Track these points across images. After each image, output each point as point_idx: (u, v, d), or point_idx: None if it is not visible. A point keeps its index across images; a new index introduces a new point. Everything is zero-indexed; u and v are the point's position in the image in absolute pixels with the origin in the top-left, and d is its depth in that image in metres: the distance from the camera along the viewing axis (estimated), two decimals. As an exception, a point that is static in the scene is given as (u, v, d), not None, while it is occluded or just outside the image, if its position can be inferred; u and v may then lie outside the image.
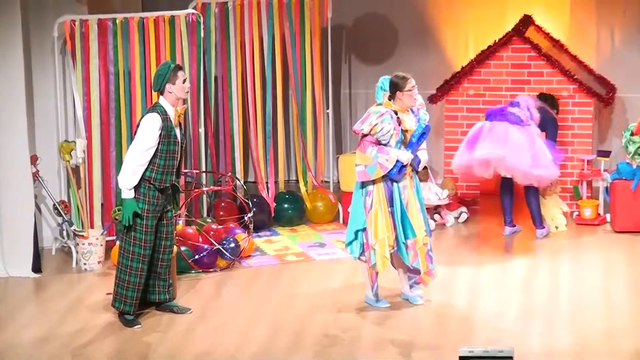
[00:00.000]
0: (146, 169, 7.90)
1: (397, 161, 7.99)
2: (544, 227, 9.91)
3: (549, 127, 9.88)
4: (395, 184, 8.09)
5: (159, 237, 8.16)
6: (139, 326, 8.07)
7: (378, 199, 8.07)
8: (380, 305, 8.30)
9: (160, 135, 7.85)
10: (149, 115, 7.89)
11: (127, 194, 7.89)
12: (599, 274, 8.99)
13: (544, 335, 7.83)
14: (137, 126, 7.98)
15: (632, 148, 9.80)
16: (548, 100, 10.03)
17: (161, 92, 7.93)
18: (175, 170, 8.05)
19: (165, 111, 7.90)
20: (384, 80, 8.21)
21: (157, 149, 7.88)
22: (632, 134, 9.79)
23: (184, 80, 7.95)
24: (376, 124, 7.99)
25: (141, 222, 7.99)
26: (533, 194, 9.85)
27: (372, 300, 8.30)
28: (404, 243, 8.11)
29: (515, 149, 9.59)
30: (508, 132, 9.60)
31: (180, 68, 8.00)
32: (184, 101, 8.08)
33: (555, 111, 10.04)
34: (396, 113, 8.07)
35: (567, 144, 10.38)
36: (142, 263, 8.05)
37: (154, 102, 8.07)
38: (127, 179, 7.88)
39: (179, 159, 8.07)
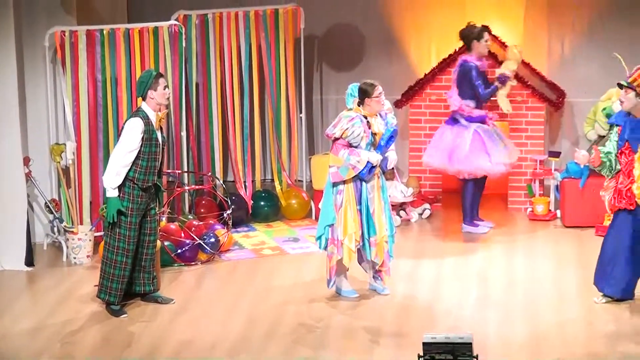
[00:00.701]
0: (130, 170, 7.89)
1: (368, 162, 7.99)
2: (471, 224, 9.87)
3: (464, 81, 9.71)
4: (364, 183, 8.09)
5: (143, 232, 8.13)
6: (125, 315, 8.05)
7: (348, 197, 8.07)
8: (349, 296, 8.29)
9: (142, 138, 7.83)
10: (132, 119, 7.87)
11: (111, 192, 7.87)
12: (551, 266, 9.03)
13: (501, 322, 7.86)
14: (121, 130, 7.97)
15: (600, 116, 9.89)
16: (469, 33, 9.76)
17: (143, 97, 7.92)
18: (156, 170, 8.03)
19: (147, 115, 7.89)
20: (353, 87, 8.21)
21: (139, 151, 7.86)
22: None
23: (165, 87, 7.95)
24: (347, 128, 7.99)
25: (125, 219, 7.96)
26: (466, 189, 9.85)
27: (346, 292, 8.29)
28: (367, 240, 8.13)
29: (435, 150, 9.73)
30: (440, 135, 9.83)
31: (161, 76, 7.99)
32: (166, 106, 8.06)
33: (482, 40, 9.70)
34: (366, 117, 8.07)
35: (521, 145, 10.40)
36: (126, 257, 8.03)
37: (137, 107, 8.05)
38: (111, 179, 7.86)
39: (160, 160, 8.05)
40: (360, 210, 8.09)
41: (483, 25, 9.82)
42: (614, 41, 10.77)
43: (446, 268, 9.02)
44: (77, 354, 7.48)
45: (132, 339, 7.69)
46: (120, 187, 7.90)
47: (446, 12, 11.17)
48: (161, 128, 8.06)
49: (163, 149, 8.08)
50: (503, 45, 10.78)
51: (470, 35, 9.75)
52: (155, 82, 7.89)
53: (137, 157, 7.88)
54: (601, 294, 8.07)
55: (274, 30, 10.34)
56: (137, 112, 7.93)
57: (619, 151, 7.88)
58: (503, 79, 9.73)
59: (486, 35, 9.75)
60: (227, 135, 10.37)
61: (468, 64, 9.71)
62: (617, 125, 7.91)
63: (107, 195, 7.89)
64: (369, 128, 8.05)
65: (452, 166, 9.71)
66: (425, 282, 8.68)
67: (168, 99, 8.01)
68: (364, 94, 8.05)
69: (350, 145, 8.00)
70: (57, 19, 9.57)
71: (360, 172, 7.99)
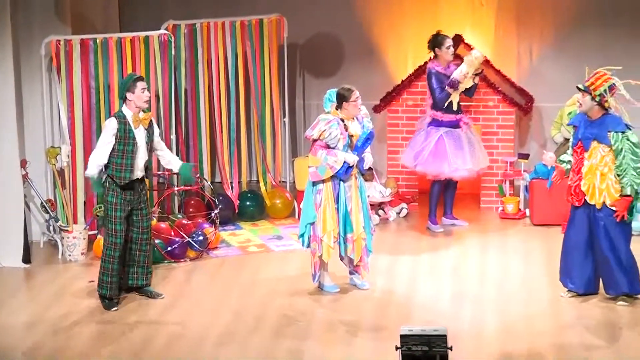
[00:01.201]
0: (109, 167, 7.95)
1: (345, 162, 8.01)
2: (435, 224, 9.88)
3: (430, 85, 9.75)
4: (341, 183, 8.11)
5: (135, 230, 8.14)
6: (115, 309, 8.05)
7: (327, 196, 8.09)
8: (331, 290, 8.31)
9: (116, 136, 7.89)
10: (108, 119, 8.03)
11: (89, 172, 8.01)
12: (520, 261, 9.06)
13: (473, 316, 7.88)
14: None
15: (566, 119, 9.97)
16: (433, 41, 9.75)
17: (123, 99, 7.96)
18: (133, 169, 8.02)
19: (124, 116, 7.96)
20: (332, 92, 8.24)
21: (114, 148, 7.93)
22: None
23: (143, 90, 7.97)
24: (324, 130, 8.01)
25: (112, 214, 7.99)
26: (431, 189, 9.85)
27: (328, 287, 8.31)
28: (343, 237, 8.14)
29: (410, 150, 9.79)
30: (414, 137, 9.88)
31: (140, 79, 8.04)
32: (146, 109, 8.07)
33: (443, 47, 9.67)
34: (343, 120, 8.09)
35: (492, 148, 10.42)
36: (114, 251, 8.05)
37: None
38: (89, 167, 8.00)
39: (142, 158, 8.04)
40: (337, 209, 8.11)
41: (439, 33, 9.76)
42: (579, 50, 10.82)
43: (422, 264, 9.04)
44: (72, 346, 7.46)
45: (125, 331, 7.68)
46: (105, 184, 7.99)
47: (421, 21, 11.19)
48: (149, 128, 8.06)
49: (149, 149, 8.10)
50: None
51: (433, 44, 9.74)
52: (133, 85, 7.95)
53: (113, 155, 7.95)
54: (566, 289, 8.11)
55: (258, 39, 10.34)
56: (116, 113, 8.05)
57: (573, 149, 7.94)
58: (452, 83, 9.68)
59: (447, 42, 9.71)
60: (214, 139, 10.36)
61: (428, 71, 9.74)
62: (574, 125, 7.99)
63: (88, 173, 8.05)
64: (346, 130, 8.08)
65: (416, 167, 9.74)
66: (403, 277, 8.69)
67: (147, 101, 8.03)
68: (342, 98, 8.08)
69: (328, 147, 8.02)
70: (52, 28, 9.53)
71: (337, 171, 8.01)
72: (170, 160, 8.33)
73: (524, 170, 10.35)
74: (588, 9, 10.90)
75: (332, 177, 8.06)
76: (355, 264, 8.30)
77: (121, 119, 7.94)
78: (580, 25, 10.94)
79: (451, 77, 9.63)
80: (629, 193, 7.71)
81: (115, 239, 8.03)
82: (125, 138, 7.93)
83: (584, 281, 8.01)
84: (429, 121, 9.79)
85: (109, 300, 8.08)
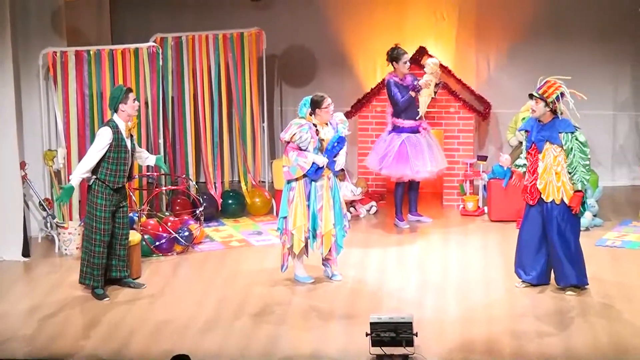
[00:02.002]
0: (101, 173, 7.96)
1: (314, 164, 8.05)
2: (402, 220, 9.91)
3: (389, 96, 9.75)
4: (313, 182, 8.14)
5: (117, 227, 8.19)
6: (108, 299, 8.05)
7: (299, 194, 8.12)
8: (304, 281, 8.33)
9: (111, 144, 7.90)
10: (103, 128, 8.01)
11: (73, 182, 7.98)
12: (479, 254, 9.09)
13: (436, 304, 7.91)
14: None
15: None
16: (391, 54, 9.68)
17: (115, 110, 7.99)
18: (126, 174, 8.10)
19: (117, 125, 7.98)
20: (306, 100, 8.27)
21: (109, 156, 7.94)
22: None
23: (134, 100, 8.03)
24: (295, 133, 8.06)
25: (100, 215, 8.02)
26: (395, 190, 9.87)
27: (302, 277, 8.33)
28: (312, 232, 8.16)
29: (375, 155, 9.81)
30: (378, 142, 9.91)
31: (130, 90, 8.08)
32: (135, 117, 8.15)
33: (400, 61, 9.62)
34: (315, 125, 8.12)
35: (454, 150, 10.45)
36: (102, 247, 8.08)
37: (109, 119, 8.10)
38: (77, 176, 7.98)
39: (129, 165, 8.11)
40: (308, 206, 8.14)
41: (397, 47, 9.77)
42: (531, 61, 10.88)
43: (390, 257, 9.06)
44: (67, 332, 7.45)
45: (117, 319, 7.67)
46: (92, 186, 7.99)
47: (388, 34, 11.19)
48: (131, 136, 8.12)
49: (132, 154, 8.14)
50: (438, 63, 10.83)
51: (391, 56, 9.71)
52: (125, 97, 7.99)
53: (107, 162, 7.95)
54: (520, 280, 8.18)
55: (239, 51, 10.33)
56: (108, 122, 8.04)
57: (527, 152, 8.01)
58: (414, 88, 9.69)
59: (405, 58, 9.67)
60: (199, 142, 10.34)
61: (387, 81, 9.74)
62: (526, 130, 8.05)
63: (70, 183, 7.99)
64: (317, 135, 8.11)
65: (381, 170, 9.78)
66: (372, 269, 8.71)
67: (137, 110, 8.09)
68: (315, 104, 8.12)
69: (299, 149, 8.05)
70: (49, 40, 9.49)
71: (307, 171, 8.05)
72: (147, 157, 8.41)
73: (483, 171, 10.39)
74: (538, 25, 10.97)
75: (304, 177, 8.09)
76: (324, 257, 8.32)
77: (114, 128, 7.95)
78: (531, 39, 11.01)
79: (416, 82, 9.65)
80: (580, 188, 7.79)
81: (103, 236, 8.05)
82: (118, 146, 7.95)
83: (537, 273, 8.07)
84: (390, 128, 9.82)
85: (100, 291, 8.06)
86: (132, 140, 8.14)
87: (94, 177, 8.01)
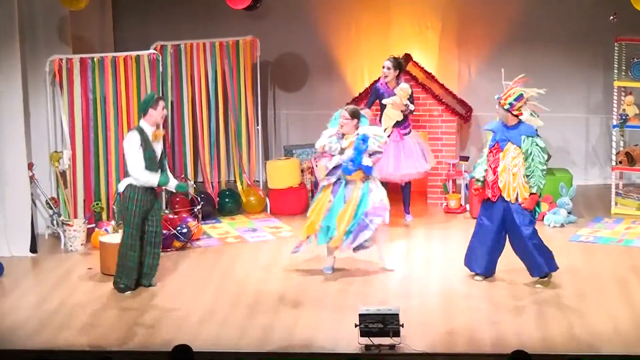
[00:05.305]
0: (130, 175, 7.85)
1: (335, 166, 8.15)
2: (409, 214, 9.93)
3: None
4: (342, 184, 8.14)
5: (150, 227, 8.03)
6: (130, 292, 8.01)
7: (323, 194, 8.23)
8: (325, 272, 8.37)
9: (140, 146, 7.81)
10: (130, 132, 7.94)
11: (154, 181, 7.85)
12: (461, 249, 9.06)
13: (421, 296, 7.92)
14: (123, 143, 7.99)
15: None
16: (400, 64, 9.69)
17: (145, 114, 7.90)
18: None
19: (143, 129, 7.90)
20: (337, 113, 8.34)
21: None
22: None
23: (163, 108, 7.96)
24: (324, 144, 8.21)
25: (130, 220, 7.90)
26: (405, 186, 9.92)
27: (324, 268, 8.39)
28: (326, 228, 8.18)
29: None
30: None
31: (162, 99, 8.03)
32: (161, 125, 8.05)
33: (398, 72, 9.65)
34: (343, 135, 8.20)
35: (437, 151, 10.44)
36: (135, 251, 7.96)
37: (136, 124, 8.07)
38: (151, 180, 7.83)
39: (157, 168, 7.99)
40: (331, 202, 8.17)
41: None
42: (511, 66, 10.81)
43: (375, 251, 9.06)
44: (73, 324, 7.45)
45: (120, 311, 7.67)
46: (124, 192, 7.86)
47: (375, 42, 11.23)
48: (163, 142, 8.05)
49: (162, 160, 8.03)
50: (423, 70, 10.85)
51: (400, 66, 9.63)
52: (156, 103, 7.92)
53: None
54: (473, 272, 8.15)
55: (235, 57, 10.32)
56: (135, 127, 7.97)
57: (489, 150, 8.02)
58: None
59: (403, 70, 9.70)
60: (197, 144, 10.33)
61: (376, 86, 9.71)
62: (492, 131, 8.06)
63: (160, 184, 7.88)
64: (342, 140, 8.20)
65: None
66: (361, 263, 8.70)
67: (162, 118, 7.98)
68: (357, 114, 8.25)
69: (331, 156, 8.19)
70: (55, 48, 9.48)
71: (330, 171, 8.16)
72: (170, 180, 8.20)
73: (465, 171, 10.40)
74: (516, 33, 11.00)
75: (335, 180, 8.16)
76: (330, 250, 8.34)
77: (141, 131, 7.87)
78: (510, 46, 11.03)
79: (384, 101, 9.63)
80: (535, 192, 7.83)
81: (135, 241, 7.93)
82: (145, 148, 7.86)
83: (486, 265, 8.06)
84: None
85: (127, 290, 8.01)
86: (161, 147, 8.00)
87: (129, 182, 7.88)
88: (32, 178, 9.26)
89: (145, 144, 7.85)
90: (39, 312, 7.68)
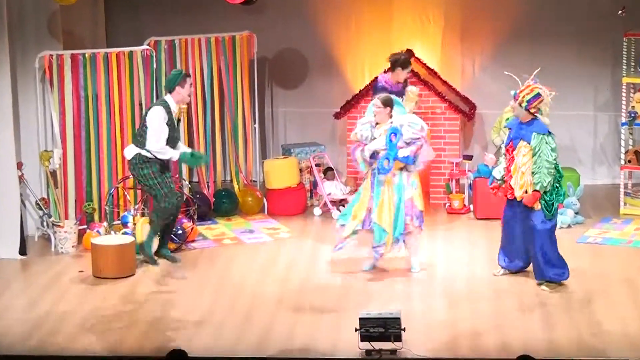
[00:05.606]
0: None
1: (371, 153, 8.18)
2: None
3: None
4: (376, 176, 8.17)
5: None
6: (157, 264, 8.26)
7: (366, 185, 8.28)
8: (364, 268, 8.42)
9: (165, 121, 7.89)
10: (154, 107, 7.98)
11: (175, 155, 7.96)
12: (465, 251, 9.10)
13: (424, 300, 7.90)
14: (143, 118, 8.04)
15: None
16: (403, 60, 9.60)
17: (171, 91, 7.98)
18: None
19: (169, 105, 7.97)
20: (371, 103, 8.40)
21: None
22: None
23: (191, 85, 8.10)
24: (356, 132, 8.27)
25: (155, 181, 8.01)
26: None
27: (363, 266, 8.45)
28: (372, 224, 8.24)
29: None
30: None
31: (189, 76, 8.16)
32: (187, 103, 8.24)
33: (404, 71, 9.58)
34: (377, 124, 8.21)
35: (440, 150, 10.43)
36: (172, 203, 8.16)
37: (160, 98, 8.14)
38: (169, 153, 7.91)
39: (176, 145, 8.16)
40: (372, 197, 8.21)
41: (412, 54, 9.75)
42: (515, 62, 10.84)
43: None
44: (64, 328, 7.42)
45: (112, 315, 7.64)
46: (135, 162, 7.95)
47: (376, 38, 11.21)
48: (180, 120, 8.18)
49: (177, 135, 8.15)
50: (425, 66, 10.84)
51: (400, 63, 9.59)
52: (184, 80, 8.02)
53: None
54: (500, 266, 8.21)
55: (231, 53, 10.30)
56: (160, 101, 8.02)
57: (505, 148, 8.04)
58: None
59: (409, 67, 9.68)
60: (192, 143, 10.30)
61: (376, 84, 9.68)
62: (509, 128, 8.10)
63: (179, 157, 7.97)
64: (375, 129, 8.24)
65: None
66: (361, 266, 8.68)
67: (190, 96, 8.13)
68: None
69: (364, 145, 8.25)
70: (45, 44, 9.45)
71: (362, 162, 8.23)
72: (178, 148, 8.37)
73: (468, 170, 10.39)
74: (522, 28, 10.99)
75: (372, 170, 8.19)
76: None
77: (166, 107, 7.93)
78: (515, 41, 11.02)
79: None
80: (537, 189, 7.83)
81: (171, 193, 8.03)
82: (171, 124, 7.94)
83: (516, 261, 8.13)
84: None
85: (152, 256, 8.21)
86: (179, 124, 8.16)
87: (137, 152, 7.96)
88: (21, 178, 9.23)
89: (171, 120, 7.93)
90: (29, 317, 7.64)
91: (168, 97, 7.99)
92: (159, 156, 8.01)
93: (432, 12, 11.16)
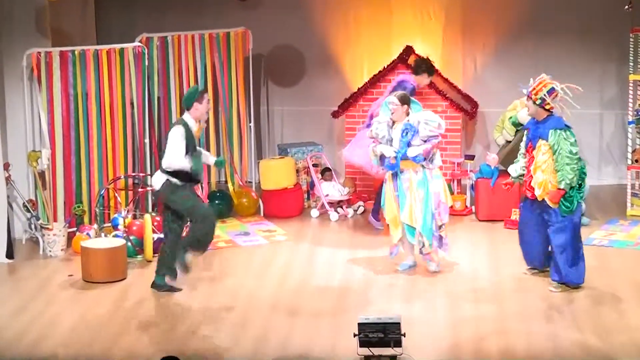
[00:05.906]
0: (173, 172, 7.91)
1: (381, 153, 8.26)
2: (378, 220, 9.76)
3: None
4: (398, 175, 8.24)
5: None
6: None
7: (388, 186, 8.33)
8: (402, 268, 8.46)
9: (183, 139, 7.87)
10: (174, 127, 7.96)
11: (187, 165, 7.91)
12: (467, 253, 9.08)
13: (425, 304, 7.88)
14: (166, 136, 8.04)
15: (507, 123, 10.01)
16: (428, 67, 9.70)
17: (189, 108, 7.95)
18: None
19: (188, 124, 7.95)
20: (386, 101, 8.44)
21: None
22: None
23: (208, 101, 8.04)
24: (372, 129, 8.34)
25: (194, 203, 8.02)
26: (379, 189, 9.84)
27: (400, 265, 8.50)
28: (403, 224, 8.29)
29: (357, 148, 9.65)
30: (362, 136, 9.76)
31: (205, 91, 8.13)
32: (206, 120, 8.22)
33: (431, 78, 9.75)
34: (394, 122, 8.24)
35: (441, 150, 10.35)
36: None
37: (178, 118, 8.11)
38: (183, 164, 7.86)
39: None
40: (398, 196, 8.26)
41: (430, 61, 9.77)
42: (517, 60, 10.90)
43: (378, 256, 9.02)
44: (53, 333, 7.39)
45: (103, 320, 7.62)
46: (175, 191, 7.91)
47: (375, 34, 11.21)
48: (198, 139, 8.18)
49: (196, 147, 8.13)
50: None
51: (426, 68, 9.60)
52: (201, 97, 7.97)
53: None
54: (527, 267, 8.23)
55: (226, 50, 10.29)
56: (179, 121, 8.01)
57: (525, 149, 8.03)
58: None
59: (434, 75, 9.73)
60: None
61: (405, 81, 9.65)
62: (527, 128, 8.11)
63: (193, 168, 7.93)
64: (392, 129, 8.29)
65: (343, 153, 9.71)
66: (360, 269, 8.68)
67: (207, 112, 8.09)
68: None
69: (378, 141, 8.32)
70: (33, 41, 9.42)
71: (382, 162, 8.28)
72: (208, 156, 8.40)
73: (470, 170, 10.38)
74: (525, 24, 11.01)
75: (392, 171, 8.26)
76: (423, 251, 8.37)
77: (186, 126, 7.91)
78: (517, 38, 11.04)
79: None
80: (562, 187, 7.80)
81: (209, 214, 8.03)
82: (188, 143, 7.91)
83: (540, 259, 8.16)
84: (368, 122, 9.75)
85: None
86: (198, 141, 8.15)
87: (166, 178, 7.93)
88: (8, 179, 9.20)
89: (190, 139, 7.91)
90: (17, 322, 7.61)
91: (186, 116, 7.99)
92: (181, 168, 7.90)
93: (432, 8, 11.16)
